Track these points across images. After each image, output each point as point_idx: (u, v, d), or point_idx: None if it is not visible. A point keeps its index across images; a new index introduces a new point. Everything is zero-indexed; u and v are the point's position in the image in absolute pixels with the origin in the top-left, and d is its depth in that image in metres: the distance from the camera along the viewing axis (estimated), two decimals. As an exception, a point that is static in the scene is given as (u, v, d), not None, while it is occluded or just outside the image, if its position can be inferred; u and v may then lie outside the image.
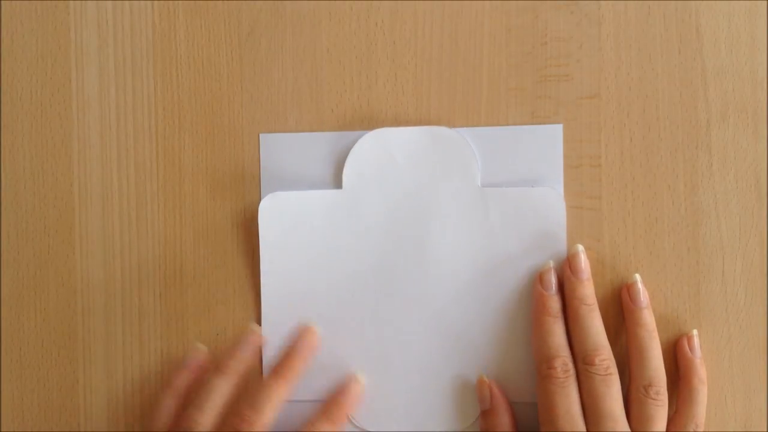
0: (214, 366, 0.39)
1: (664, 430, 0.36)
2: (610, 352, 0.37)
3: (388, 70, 0.40)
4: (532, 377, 0.39)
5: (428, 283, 0.39)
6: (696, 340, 0.38)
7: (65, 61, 0.42)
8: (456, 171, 0.40)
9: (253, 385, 0.38)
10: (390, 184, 0.40)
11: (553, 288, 0.38)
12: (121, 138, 0.41)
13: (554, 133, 0.39)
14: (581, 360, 0.37)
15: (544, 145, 0.39)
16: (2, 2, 0.42)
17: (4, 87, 0.42)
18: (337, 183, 0.40)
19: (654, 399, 0.36)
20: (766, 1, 0.39)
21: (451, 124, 0.40)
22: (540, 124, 0.39)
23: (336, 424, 0.38)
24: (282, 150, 0.41)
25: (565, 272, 0.38)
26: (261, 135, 0.41)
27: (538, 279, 0.38)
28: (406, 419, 0.40)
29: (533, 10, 0.40)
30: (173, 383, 0.39)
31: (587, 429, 0.36)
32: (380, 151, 0.40)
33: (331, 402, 0.39)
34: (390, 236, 0.40)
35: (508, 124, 0.40)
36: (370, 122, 0.40)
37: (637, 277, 0.38)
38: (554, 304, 0.38)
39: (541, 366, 0.37)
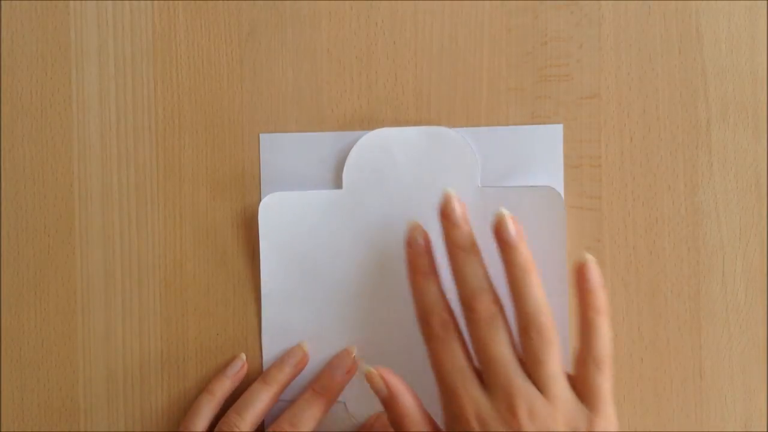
0: (261, 376, 0.39)
1: (558, 366, 0.34)
2: (494, 294, 0.35)
3: (388, 70, 0.40)
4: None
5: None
6: (590, 266, 0.35)
7: (65, 61, 0.42)
8: (456, 171, 0.40)
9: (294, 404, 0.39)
10: (390, 184, 0.40)
11: (422, 247, 0.37)
12: (121, 138, 0.41)
13: (554, 133, 0.39)
14: (465, 307, 0.35)
15: (544, 145, 0.39)
16: (2, 2, 0.42)
17: (4, 87, 0.42)
18: (337, 183, 0.40)
19: (537, 339, 0.34)
20: (766, 1, 0.39)
21: (451, 124, 0.40)
22: (540, 124, 0.39)
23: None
24: (282, 150, 0.41)
25: (440, 219, 0.36)
26: (261, 135, 0.41)
27: (406, 241, 0.37)
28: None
29: (533, 10, 0.40)
30: (212, 389, 0.39)
31: (480, 375, 0.35)
32: (380, 151, 0.40)
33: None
34: (390, 236, 0.40)
35: (508, 124, 0.40)
36: (370, 122, 0.40)
37: (504, 211, 0.35)
38: (422, 261, 0.36)
39: (420, 325, 0.36)
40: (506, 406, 0.33)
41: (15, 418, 0.42)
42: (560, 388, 0.34)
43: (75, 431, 0.42)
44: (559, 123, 0.39)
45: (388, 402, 0.36)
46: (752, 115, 0.39)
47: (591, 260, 0.35)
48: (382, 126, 0.40)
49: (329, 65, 0.41)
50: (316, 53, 0.41)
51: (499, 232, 0.35)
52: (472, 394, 0.34)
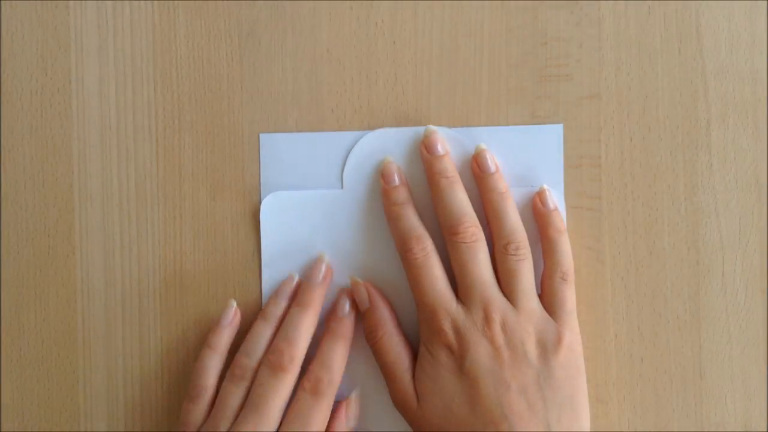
0: (260, 313, 0.39)
1: (531, 282, 0.37)
2: (475, 219, 0.37)
3: (388, 70, 0.40)
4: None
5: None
6: (547, 194, 0.38)
7: (65, 61, 0.42)
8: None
9: (284, 322, 0.38)
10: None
11: (396, 180, 0.38)
12: (121, 138, 0.41)
13: (554, 133, 0.39)
14: (447, 232, 0.37)
15: (544, 145, 0.39)
16: (2, 2, 0.42)
17: (4, 87, 0.42)
18: (337, 183, 0.40)
19: (514, 254, 0.36)
20: (766, 1, 0.39)
21: (451, 124, 0.40)
22: (540, 124, 0.39)
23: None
24: (282, 150, 0.41)
25: (422, 153, 0.39)
26: (261, 135, 0.41)
27: (381, 177, 0.39)
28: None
29: (533, 10, 0.40)
30: (212, 343, 0.39)
31: (458, 297, 0.36)
32: (380, 151, 0.40)
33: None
34: (390, 236, 0.40)
35: (508, 124, 0.40)
36: (370, 122, 0.40)
37: (482, 146, 0.39)
38: (399, 193, 0.38)
39: (401, 253, 0.38)
40: (482, 319, 0.36)
41: (15, 418, 0.42)
42: (532, 302, 0.36)
43: (75, 431, 0.42)
44: (559, 123, 0.39)
45: (368, 313, 0.38)
46: (752, 115, 0.39)
47: (547, 188, 0.38)
48: (382, 126, 0.40)
49: (329, 65, 0.41)
50: (316, 53, 0.41)
51: (479, 162, 0.38)
52: (450, 309, 0.36)
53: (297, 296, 0.39)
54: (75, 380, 0.42)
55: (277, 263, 0.41)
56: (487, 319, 0.36)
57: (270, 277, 0.41)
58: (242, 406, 0.37)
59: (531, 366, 0.35)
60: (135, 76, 0.41)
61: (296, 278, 0.40)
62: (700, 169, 0.39)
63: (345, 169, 0.40)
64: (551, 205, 0.38)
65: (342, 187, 0.40)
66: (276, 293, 0.39)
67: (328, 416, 0.37)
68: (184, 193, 0.41)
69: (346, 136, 0.40)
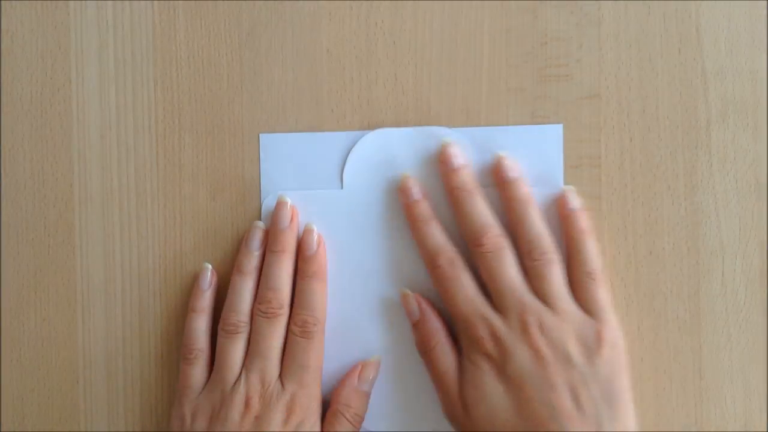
0: (235, 269, 0.39)
1: (562, 284, 0.37)
2: (498, 228, 0.37)
3: (388, 70, 0.40)
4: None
5: (429, 282, 0.39)
6: (570, 195, 0.38)
7: (65, 61, 0.42)
8: (456, 171, 0.39)
9: (264, 271, 0.39)
10: (390, 184, 0.40)
11: (415, 195, 0.39)
12: (121, 138, 0.41)
13: (554, 133, 0.39)
14: (472, 244, 0.37)
15: (544, 145, 0.39)
16: (2, 2, 0.42)
17: (4, 87, 0.42)
18: (337, 183, 0.40)
19: (539, 259, 0.37)
20: (766, 1, 0.39)
21: (451, 124, 0.40)
22: (540, 124, 0.39)
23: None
24: (282, 150, 0.41)
25: (440, 166, 0.39)
26: (261, 135, 0.41)
27: (399, 191, 0.39)
28: (409, 418, 0.40)
29: (533, 10, 0.40)
30: (196, 307, 0.40)
31: (492, 304, 0.37)
32: (380, 151, 0.40)
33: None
34: (390, 236, 0.40)
35: (508, 124, 0.40)
36: (370, 122, 0.40)
37: (503, 153, 0.39)
38: (421, 209, 0.38)
39: (429, 269, 0.38)
40: (518, 324, 0.36)
41: (15, 418, 0.42)
42: (567, 302, 0.36)
43: (75, 431, 0.42)
44: (559, 123, 0.39)
45: (419, 325, 0.38)
46: (752, 115, 0.39)
47: (570, 189, 0.38)
48: (382, 126, 0.40)
49: (329, 65, 0.41)
50: (316, 53, 0.41)
51: (500, 171, 0.38)
52: (486, 318, 0.36)
53: (269, 243, 0.39)
54: (75, 380, 0.42)
55: (277, 263, 0.40)
56: (524, 323, 0.36)
57: (270, 277, 0.41)
58: (242, 358, 0.38)
59: (575, 365, 0.35)
60: (135, 76, 0.41)
61: (261, 225, 0.40)
62: (700, 169, 0.39)
63: (345, 169, 0.40)
64: (574, 206, 0.38)
65: (342, 187, 0.40)
66: (245, 245, 0.40)
67: (323, 351, 0.38)
68: (184, 193, 0.41)
69: (346, 136, 0.40)
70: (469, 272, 0.37)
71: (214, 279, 0.40)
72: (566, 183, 0.39)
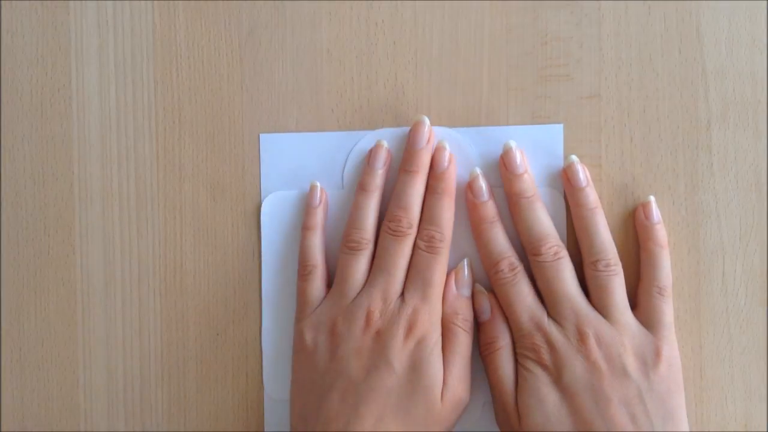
0: (358, 187, 0.39)
1: (624, 297, 0.37)
2: (557, 238, 0.37)
3: (388, 70, 0.40)
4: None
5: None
6: (652, 206, 0.38)
7: (65, 61, 0.42)
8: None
9: (396, 189, 0.39)
10: (390, 184, 0.40)
11: (484, 195, 0.38)
12: (121, 138, 0.41)
13: (554, 133, 0.39)
14: (530, 252, 0.37)
15: (544, 145, 0.39)
16: (2, 2, 0.42)
17: (4, 87, 0.42)
18: (338, 183, 0.40)
19: (604, 270, 0.36)
20: (766, 1, 0.39)
21: (451, 124, 0.40)
22: (540, 124, 0.39)
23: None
24: (282, 150, 0.41)
25: (501, 170, 0.38)
26: (261, 135, 0.41)
27: (467, 188, 0.39)
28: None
29: (533, 10, 0.40)
30: (309, 224, 0.39)
31: (549, 313, 0.37)
32: (380, 151, 0.40)
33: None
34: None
35: (508, 124, 0.40)
36: (370, 122, 0.40)
37: (574, 158, 0.38)
38: (488, 210, 0.38)
39: (489, 272, 0.38)
40: (576, 334, 0.36)
41: (15, 418, 0.42)
42: (626, 315, 0.36)
43: (75, 431, 0.42)
44: (559, 123, 0.39)
45: (487, 325, 0.38)
46: (752, 115, 0.39)
47: (652, 200, 0.38)
48: (382, 126, 0.40)
49: (329, 65, 0.41)
50: (316, 53, 0.41)
51: (569, 176, 0.38)
52: (542, 325, 0.36)
53: (403, 163, 0.39)
54: (75, 380, 0.42)
55: (277, 263, 0.41)
56: (580, 334, 0.36)
57: (270, 277, 0.41)
58: (365, 274, 0.38)
59: (631, 379, 0.35)
60: (135, 76, 0.41)
61: (385, 144, 0.39)
62: (700, 169, 0.39)
63: (345, 169, 0.40)
64: (655, 219, 0.38)
65: (342, 187, 0.40)
66: (369, 164, 0.39)
67: (446, 269, 0.38)
68: (184, 193, 0.41)
69: (346, 136, 0.40)
70: (528, 279, 0.37)
71: (324, 195, 0.40)
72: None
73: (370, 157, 0.39)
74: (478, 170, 0.38)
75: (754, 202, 0.39)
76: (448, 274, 0.38)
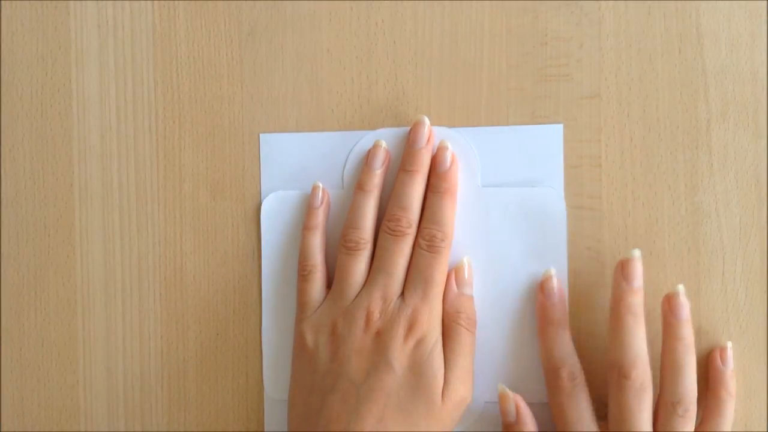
0: (357, 187, 0.39)
1: None
2: (648, 363, 0.36)
3: (388, 70, 0.40)
4: (536, 375, 0.39)
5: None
6: (729, 353, 0.37)
7: (65, 61, 0.42)
8: (456, 171, 0.39)
9: (396, 189, 0.39)
10: (390, 184, 0.40)
11: (555, 296, 0.37)
12: (121, 138, 0.41)
13: (554, 133, 0.39)
14: (617, 371, 0.36)
15: (544, 145, 0.39)
16: (2, 2, 0.42)
17: (4, 87, 0.42)
18: (338, 183, 0.40)
19: (682, 416, 0.35)
20: (766, 1, 0.39)
21: (451, 124, 0.40)
22: (540, 124, 0.39)
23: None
24: (282, 150, 0.41)
25: (616, 276, 0.36)
26: (261, 135, 0.41)
27: (539, 287, 0.38)
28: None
29: (533, 10, 0.40)
30: (311, 225, 0.39)
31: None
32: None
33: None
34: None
35: (508, 124, 0.40)
36: (370, 122, 0.40)
37: (681, 288, 0.37)
38: (557, 313, 0.37)
39: (547, 376, 0.37)
40: None
41: (15, 418, 0.42)
42: None
43: (75, 431, 0.42)
44: (559, 123, 0.39)
45: (513, 427, 0.37)
46: (752, 115, 0.39)
47: (729, 346, 0.38)
48: (382, 126, 0.40)
49: (329, 65, 0.41)
50: (316, 53, 0.41)
51: (672, 305, 0.36)
52: None
53: (403, 162, 0.39)
54: (75, 380, 0.42)
55: (277, 263, 0.41)
56: None
57: (270, 276, 0.41)
58: (364, 274, 0.38)
59: None
60: (135, 76, 0.41)
61: (383, 144, 0.39)
62: (700, 169, 0.39)
63: (345, 169, 0.40)
64: (731, 366, 0.37)
65: (343, 187, 0.40)
66: (368, 164, 0.39)
67: (446, 269, 0.38)
68: (184, 193, 0.41)
69: (346, 136, 0.40)
70: (587, 392, 0.36)
71: (326, 196, 0.40)
72: (566, 183, 0.39)
73: (368, 157, 0.39)
74: (553, 270, 0.38)
75: (754, 202, 0.39)
76: (447, 274, 0.38)
